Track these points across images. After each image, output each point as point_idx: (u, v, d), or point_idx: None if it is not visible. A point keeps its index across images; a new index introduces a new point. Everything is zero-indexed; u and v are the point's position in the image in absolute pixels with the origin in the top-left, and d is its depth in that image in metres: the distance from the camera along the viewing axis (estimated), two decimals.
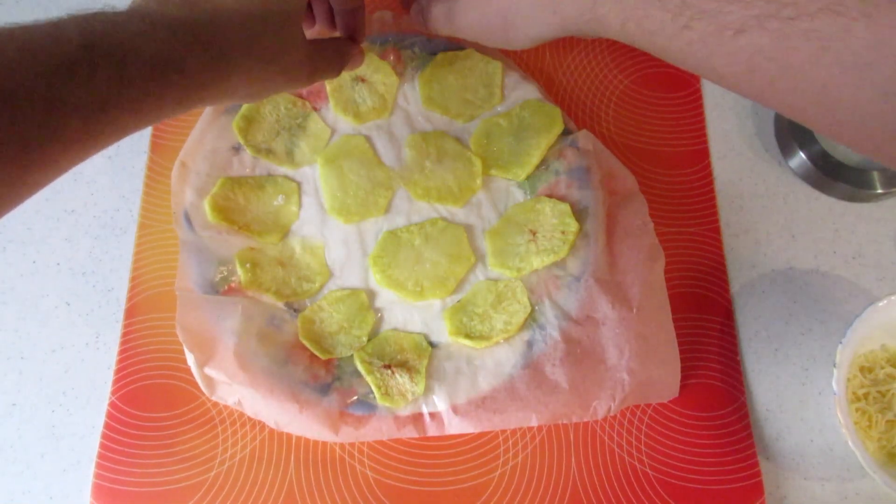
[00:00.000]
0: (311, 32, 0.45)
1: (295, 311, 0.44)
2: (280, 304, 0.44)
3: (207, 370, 0.41)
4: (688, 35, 0.29)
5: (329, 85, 0.49)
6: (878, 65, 0.24)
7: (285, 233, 0.46)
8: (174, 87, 0.29)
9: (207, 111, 0.47)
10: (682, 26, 0.29)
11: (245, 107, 0.47)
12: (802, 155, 0.48)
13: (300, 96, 0.49)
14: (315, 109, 0.49)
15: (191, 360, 0.41)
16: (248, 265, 0.44)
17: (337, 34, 0.44)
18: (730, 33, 0.28)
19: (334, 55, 0.41)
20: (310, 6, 0.43)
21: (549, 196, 0.46)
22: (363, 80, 0.49)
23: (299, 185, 0.47)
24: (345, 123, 0.49)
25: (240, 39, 0.32)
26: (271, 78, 0.35)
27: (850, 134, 0.27)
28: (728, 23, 0.28)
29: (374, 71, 0.49)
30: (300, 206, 0.47)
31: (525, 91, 0.49)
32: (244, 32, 0.32)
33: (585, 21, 0.35)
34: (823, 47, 0.25)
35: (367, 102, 0.49)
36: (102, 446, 0.41)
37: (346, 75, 0.49)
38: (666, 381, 0.42)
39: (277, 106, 0.48)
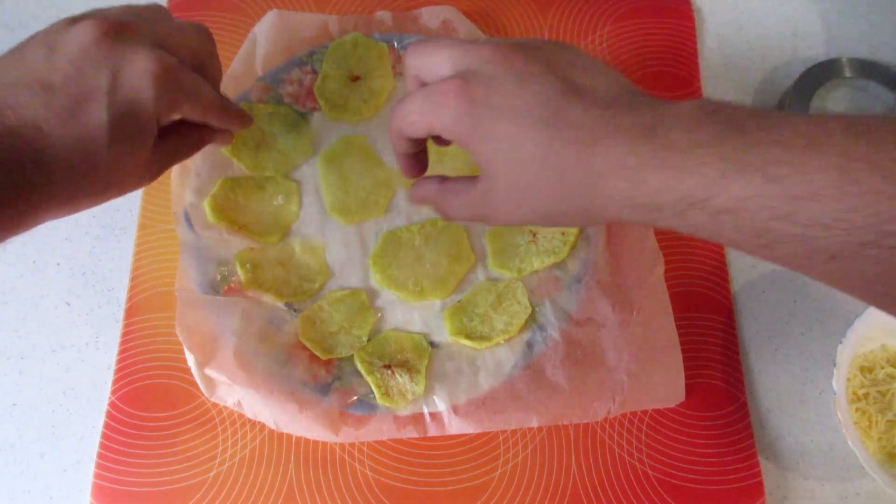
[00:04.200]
0: None
1: (295, 311, 0.44)
2: (280, 304, 0.44)
3: (207, 371, 0.41)
4: (773, 255, 0.26)
5: (319, 86, 0.49)
6: None
7: (285, 233, 0.46)
8: None
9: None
10: (762, 245, 0.26)
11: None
12: None
13: (297, 99, 0.49)
14: (309, 110, 0.49)
15: (191, 360, 0.41)
16: (248, 265, 0.44)
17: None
18: (822, 258, 0.24)
19: (187, 145, 0.38)
20: None
21: None
22: (358, 79, 0.49)
23: (299, 184, 0.47)
24: (343, 123, 0.49)
25: (59, 179, 0.30)
26: (92, 205, 0.33)
27: None
28: (820, 248, 0.24)
29: (372, 69, 0.49)
30: (300, 206, 0.47)
31: None
32: (66, 170, 0.30)
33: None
34: None
35: (360, 101, 0.49)
36: (102, 446, 0.41)
37: (341, 74, 0.49)
38: (670, 385, 0.42)
39: (261, 117, 0.48)
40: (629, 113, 0.29)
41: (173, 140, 0.37)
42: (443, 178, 0.36)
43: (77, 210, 0.33)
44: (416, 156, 0.37)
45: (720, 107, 0.27)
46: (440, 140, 0.35)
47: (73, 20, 0.32)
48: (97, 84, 0.30)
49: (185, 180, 0.46)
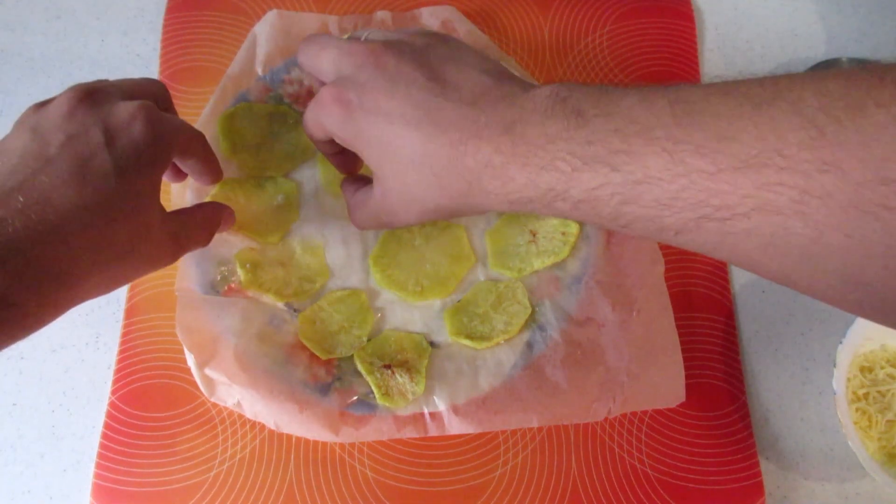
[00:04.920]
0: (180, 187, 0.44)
1: (295, 311, 0.44)
2: (280, 305, 0.44)
3: (207, 371, 0.41)
4: (634, 233, 0.29)
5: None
6: (824, 257, 0.23)
7: (286, 232, 0.46)
8: (5, 323, 0.28)
9: (207, 110, 0.47)
10: (622, 226, 0.28)
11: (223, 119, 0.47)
12: None
13: (297, 99, 0.49)
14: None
15: (191, 360, 0.41)
16: (247, 265, 0.44)
17: None
18: (671, 233, 0.27)
19: (202, 223, 0.39)
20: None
21: None
22: None
23: (299, 184, 0.47)
24: None
25: (84, 248, 0.30)
26: (128, 272, 0.34)
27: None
28: (667, 225, 0.26)
29: None
30: (300, 205, 0.46)
31: None
32: (89, 235, 0.30)
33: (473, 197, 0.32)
34: (766, 243, 0.24)
35: None
36: (102, 446, 0.41)
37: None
38: (670, 385, 0.42)
39: (261, 117, 0.48)
40: (493, 110, 0.31)
41: (185, 218, 0.38)
42: (359, 183, 0.39)
43: (112, 285, 0.33)
44: (343, 153, 0.39)
45: (570, 92, 0.29)
46: None
47: (41, 103, 0.33)
48: (94, 141, 0.31)
49: (184, 181, 0.46)
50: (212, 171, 0.40)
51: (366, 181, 0.39)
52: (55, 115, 0.31)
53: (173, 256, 0.37)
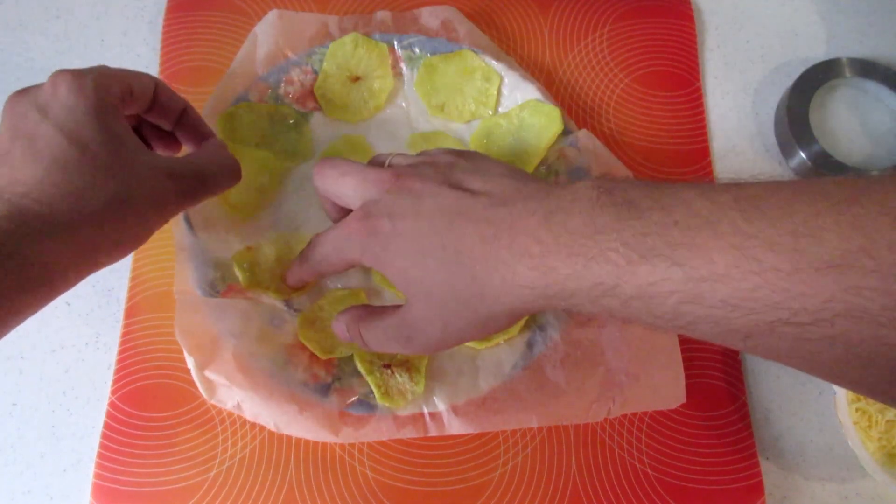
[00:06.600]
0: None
1: (295, 311, 0.44)
2: (280, 304, 0.44)
3: (207, 373, 0.41)
4: (695, 334, 0.26)
5: (319, 86, 0.49)
6: None
7: (260, 211, 0.46)
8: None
9: (207, 110, 0.47)
10: (680, 327, 0.26)
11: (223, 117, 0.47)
12: (802, 155, 0.48)
13: (297, 99, 0.49)
14: (309, 110, 0.49)
15: (190, 363, 0.41)
16: (245, 265, 0.44)
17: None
18: (739, 337, 0.24)
19: (211, 158, 0.38)
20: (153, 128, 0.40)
21: None
22: (358, 79, 0.49)
23: (287, 169, 0.47)
24: (343, 123, 0.49)
25: (67, 210, 0.30)
26: (132, 221, 0.33)
27: None
28: (735, 328, 0.24)
29: (372, 70, 0.49)
30: (282, 184, 0.46)
31: (525, 91, 0.49)
32: (70, 200, 0.30)
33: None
34: (852, 353, 0.22)
35: (360, 101, 0.49)
36: (102, 446, 0.41)
37: (341, 74, 0.49)
38: (670, 386, 0.42)
39: (261, 117, 0.48)
40: (526, 204, 0.29)
41: (182, 158, 0.37)
42: (363, 307, 0.38)
43: (99, 255, 0.33)
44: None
45: (615, 185, 0.27)
46: None
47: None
48: (31, 121, 0.31)
49: None
50: (191, 122, 0.40)
51: (371, 308, 0.37)
52: (2, 123, 0.32)
53: (179, 198, 0.35)
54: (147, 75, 0.37)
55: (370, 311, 0.36)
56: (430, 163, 0.34)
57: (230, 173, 0.39)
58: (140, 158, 0.34)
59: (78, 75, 0.33)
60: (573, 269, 0.27)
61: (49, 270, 0.30)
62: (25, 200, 0.29)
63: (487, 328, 0.32)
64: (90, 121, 0.32)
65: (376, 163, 0.37)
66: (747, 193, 0.24)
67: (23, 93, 0.33)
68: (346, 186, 0.35)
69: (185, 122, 0.40)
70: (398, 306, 0.34)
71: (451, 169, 0.33)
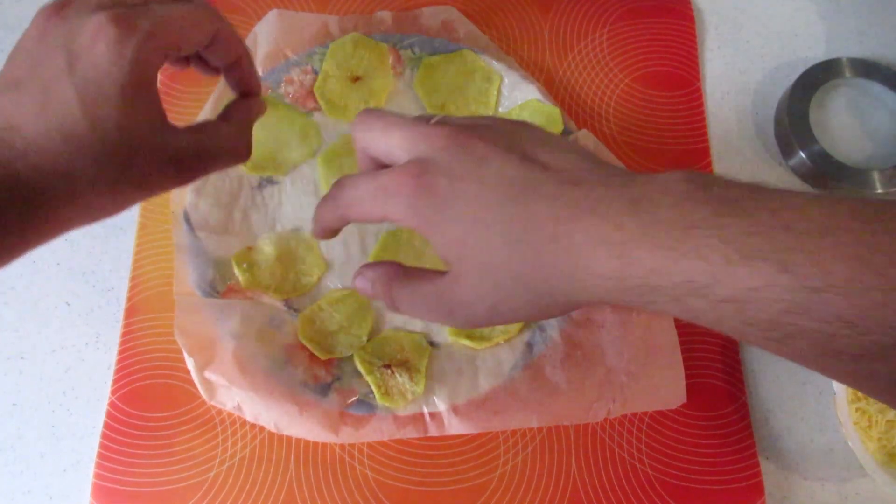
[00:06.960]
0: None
1: (295, 311, 0.44)
2: (280, 304, 0.44)
3: (207, 374, 0.41)
4: (783, 350, 0.24)
5: (320, 86, 0.49)
6: None
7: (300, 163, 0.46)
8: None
9: (207, 110, 0.47)
10: (772, 339, 0.24)
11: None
12: (802, 155, 0.48)
13: (297, 99, 0.49)
14: (309, 110, 0.49)
15: (190, 364, 0.41)
16: (244, 265, 0.44)
17: None
18: (846, 358, 0.22)
19: (225, 137, 0.34)
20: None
21: None
22: (358, 79, 0.49)
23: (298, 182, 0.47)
24: (343, 123, 0.49)
25: (58, 174, 0.28)
26: (127, 190, 0.31)
27: None
28: (844, 347, 0.22)
29: (372, 70, 0.49)
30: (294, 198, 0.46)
31: (525, 91, 0.49)
32: (61, 163, 0.28)
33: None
34: None
35: (360, 101, 0.49)
36: (102, 446, 0.41)
37: (341, 74, 0.49)
38: (670, 386, 0.42)
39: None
40: (605, 187, 0.26)
41: (198, 131, 0.33)
42: (396, 265, 0.33)
43: (94, 208, 0.30)
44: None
45: (711, 181, 0.25)
46: None
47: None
48: (56, 66, 0.28)
49: None
50: (241, 74, 0.36)
51: (406, 269, 0.33)
52: (28, 37, 0.30)
53: (174, 180, 0.32)
54: (207, 25, 0.32)
55: (406, 272, 0.32)
56: (489, 125, 0.30)
57: (237, 156, 0.35)
58: (150, 142, 0.30)
59: (125, 34, 0.29)
60: (660, 262, 0.24)
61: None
62: (16, 139, 0.27)
63: (541, 314, 0.29)
64: (116, 99, 0.29)
65: (420, 119, 0.32)
66: (865, 207, 0.22)
67: (61, 15, 0.29)
68: (393, 138, 0.30)
69: (234, 71, 0.36)
70: (438, 272, 0.30)
71: (514, 136, 0.29)
